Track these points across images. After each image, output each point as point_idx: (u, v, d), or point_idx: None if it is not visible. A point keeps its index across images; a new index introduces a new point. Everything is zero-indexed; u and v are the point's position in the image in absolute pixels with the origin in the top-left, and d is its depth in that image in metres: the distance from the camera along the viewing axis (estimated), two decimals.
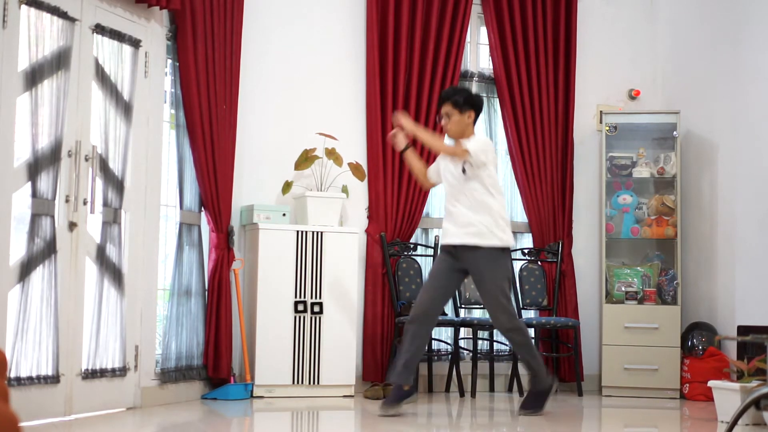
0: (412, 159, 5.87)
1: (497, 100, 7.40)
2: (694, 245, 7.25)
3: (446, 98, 5.62)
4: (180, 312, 5.95)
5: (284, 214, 6.42)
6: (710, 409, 5.99)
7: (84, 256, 5.14)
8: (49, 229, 4.88)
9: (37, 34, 4.84)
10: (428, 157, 6.73)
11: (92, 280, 5.23)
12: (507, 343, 7.11)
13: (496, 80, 7.36)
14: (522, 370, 7.15)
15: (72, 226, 5.03)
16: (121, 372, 5.42)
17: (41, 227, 4.84)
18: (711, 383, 5.72)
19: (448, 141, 5.82)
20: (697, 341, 6.90)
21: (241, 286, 6.36)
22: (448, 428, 5.30)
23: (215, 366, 6.11)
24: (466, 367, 6.96)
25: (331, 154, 6.55)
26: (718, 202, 7.07)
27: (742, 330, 6.32)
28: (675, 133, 7.21)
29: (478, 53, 7.51)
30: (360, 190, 6.89)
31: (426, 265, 7.03)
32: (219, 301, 6.16)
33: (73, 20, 5.06)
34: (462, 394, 6.74)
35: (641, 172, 7.26)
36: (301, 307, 6.32)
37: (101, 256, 5.28)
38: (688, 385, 6.81)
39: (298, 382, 6.29)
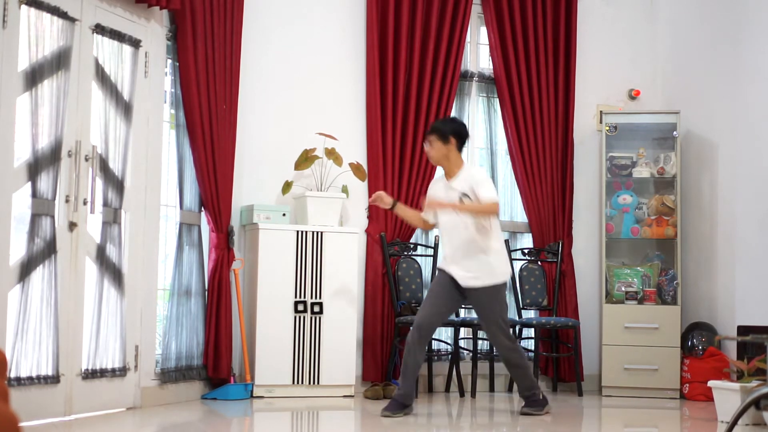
0: (405, 211, 5.93)
1: (497, 100, 7.40)
2: (694, 245, 7.25)
3: (433, 130, 5.76)
4: (180, 312, 5.95)
5: (284, 214, 6.42)
6: (710, 409, 5.99)
7: (84, 256, 5.14)
8: (49, 229, 4.88)
9: (37, 34, 4.84)
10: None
11: (92, 280, 5.23)
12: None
13: (496, 80, 7.36)
14: None
15: (72, 226, 5.03)
16: (121, 372, 5.42)
17: (41, 227, 4.84)
18: (711, 383, 5.72)
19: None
20: (697, 341, 6.90)
21: (241, 286, 6.36)
22: (448, 428, 5.30)
23: (215, 366, 6.11)
24: (466, 367, 6.96)
25: (331, 154, 6.55)
26: (718, 202, 7.07)
27: (742, 330, 6.32)
28: (675, 133, 7.21)
29: (478, 53, 7.50)
30: (360, 190, 6.88)
31: (426, 265, 7.03)
32: (219, 301, 6.16)
33: (73, 20, 5.06)
34: (462, 394, 6.74)
35: (641, 172, 7.26)
36: (301, 307, 6.32)
37: (101, 256, 5.28)
38: (688, 385, 6.81)
39: (298, 382, 6.29)
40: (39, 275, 4.83)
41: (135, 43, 5.56)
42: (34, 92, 4.81)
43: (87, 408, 5.15)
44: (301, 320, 6.32)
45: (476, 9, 7.41)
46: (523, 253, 7.30)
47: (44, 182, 4.85)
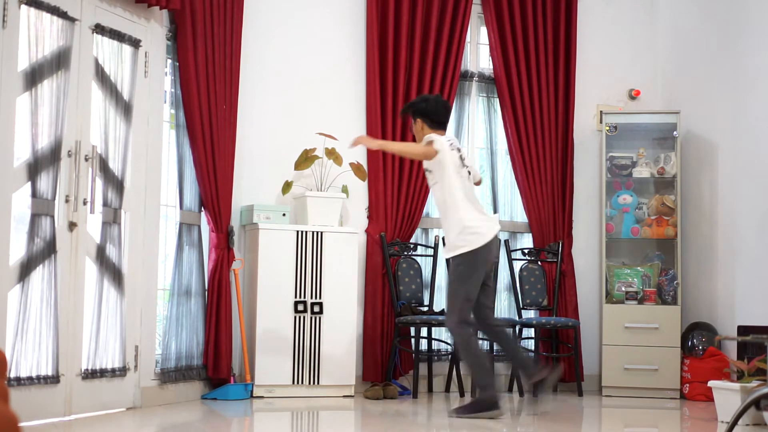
0: (393, 145, 6.12)
1: (497, 100, 7.40)
2: (694, 245, 7.25)
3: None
4: (180, 312, 5.95)
5: (284, 214, 6.42)
6: (710, 410, 5.98)
7: (84, 256, 5.14)
8: (49, 229, 4.88)
9: (37, 34, 4.83)
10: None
11: (92, 280, 5.23)
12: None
13: (496, 80, 7.36)
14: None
15: (72, 226, 5.03)
16: (121, 372, 5.41)
17: (41, 227, 4.84)
18: (711, 383, 5.72)
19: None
20: (697, 341, 6.90)
21: (241, 286, 6.36)
22: (448, 428, 5.30)
23: (215, 366, 6.11)
24: (466, 367, 6.96)
25: (331, 154, 6.54)
26: (718, 202, 7.07)
27: (742, 330, 6.32)
28: (675, 133, 7.21)
29: (478, 53, 7.50)
30: (360, 190, 6.88)
31: (426, 265, 7.03)
32: (219, 301, 6.16)
33: (73, 20, 5.06)
34: (462, 394, 6.74)
35: (641, 172, 7.26)
36: (301, 307, 6.32)
37: (101, 256, 5.28)
38: (688, 385, 6.81)
39: (298, 382, 6.29)
40: (39, 275, 4.82)
41: (135, 43, 5.56)
42: (33, 92, 4.81)
43: (87, 408, 5.15)
44: (301, 320, 6.32)
45: (476, 9, 7.41)
46: (523, 253, 7.30)
47: (44, 182, 4.85)
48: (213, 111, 6.13)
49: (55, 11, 4.93)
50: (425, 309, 6.84)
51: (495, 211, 7.32)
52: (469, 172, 5.65)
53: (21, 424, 2.69)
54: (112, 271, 5.36)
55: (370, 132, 6.92)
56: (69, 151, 5.01)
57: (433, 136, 5.60)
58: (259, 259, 6.27)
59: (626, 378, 6.98)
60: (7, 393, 2.77)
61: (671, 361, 6.90)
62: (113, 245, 5.37)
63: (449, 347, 7.02)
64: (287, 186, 6.56)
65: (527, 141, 7.29)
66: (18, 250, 4.70)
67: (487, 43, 7.41)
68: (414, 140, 5.89)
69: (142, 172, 5.62)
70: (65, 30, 5.02)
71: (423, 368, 6.87)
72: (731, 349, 6.67)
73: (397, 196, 6.89)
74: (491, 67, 7.42)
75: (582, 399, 6.81)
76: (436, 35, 7.09)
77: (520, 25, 7.31)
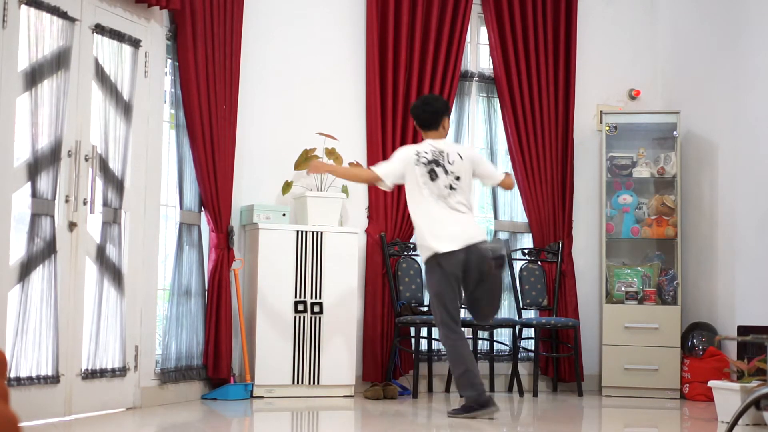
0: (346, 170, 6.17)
1: (497, 100, 7.40)
2: (694, 245, 7.25)
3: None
4: (180, 312, 5.95)
5: (284, 214, 6.42)
6: (710, 410, 5.98)
7: (84, 256, 5.14)
8: (49, 229, 4.88)
9: (37, 34, 4.83)
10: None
11: (92, 280, 5.23)
12: (507, 343, 7.15)
13: (496, 80, 7.36)
14: (522, 370, 7.17)
15: (72, 226, 5.03)
16: (121, 372, 5.41)
17: (41, 227, 4.84)
18: (711, 383, 5.72)
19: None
20: (697, 341, 6.90)
21: (241, 286, 6.36)
22: (448, 428, 5.30)
23: (215, 366, 6.11)
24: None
25: (331, 154, 6.54)
26: (718, 202, 7.07)
27: (742, 330, 6.32)
28: (675, 133, 7.21)
29: (478, 53, 7.50)
30: (360, 190, 6.88)
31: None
32: (219, 301, 6.16)
33: (73, 20, 5.06)
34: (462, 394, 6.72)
35: (641, 172, 7.26)
36: (301, 307, 6.32)
37: (101, 256, 5.28)
38: (688, 385, 6.81)
39: (298, 382, 6.29)
40: (39, 275, 4.82)
41: (135, 43, 5.56)
42: (33, 92, 4.81)
43: (87, 408, 5.15)
44: (301, 320, 6.32)
45: (476, 9, 7.41)
46: (523, 253, 7.30)
47: (44, 182, 4.85)
48: (213, 111, 6.13)
49: (55, 11, 4.93)
50: (425, 309, 6.83)
51: (495, 212, 7.32)
52: (458, 178, 5.56)
53: (21, 424, 2.69)
54: (112, 271, 5.36)
55: (370, 132, 6.93)
56: (69, 151, 5.01)
57: (389, 162, 5.67)
58: (259, 259, 6.27)
59: (626, 378, 6.98)
60: (7, 393, 2.77)
61: (671, 361, 6.90)
62: (113, 245, 5.37)
63: None
64: (287, 186, 6.56)
65: (527, 141, 7.28)
66: (18, 250, 4.71)
67: (487, 43, 7.41)
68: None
69: (142, 172, 5.62)
70: (65, 30, 5.02)
71: (423, 368, 6.87)
72: (731, 349, 6.67)
73: (397, 196, 6.88)
74: (491, 67, 7.42)
75: (582, 399, 6.81)
76: (436, 35, 7.09)
77: (520, 25, 7.31)
